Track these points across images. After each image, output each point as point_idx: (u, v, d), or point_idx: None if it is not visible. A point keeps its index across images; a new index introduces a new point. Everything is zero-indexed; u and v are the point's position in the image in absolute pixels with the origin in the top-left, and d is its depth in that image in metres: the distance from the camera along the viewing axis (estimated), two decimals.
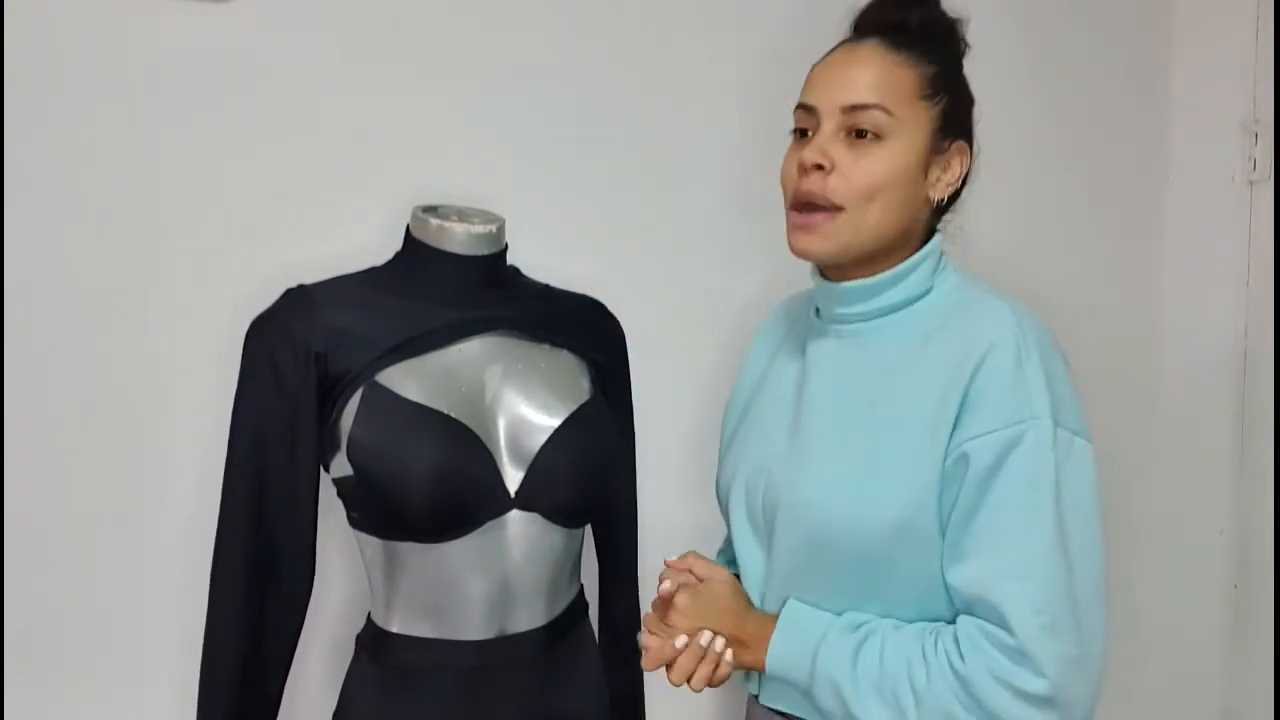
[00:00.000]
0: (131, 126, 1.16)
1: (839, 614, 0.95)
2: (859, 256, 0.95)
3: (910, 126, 0.94)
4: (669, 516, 1.28)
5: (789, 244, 0.97)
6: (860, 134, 0.93)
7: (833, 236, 0.94)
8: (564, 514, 1.04)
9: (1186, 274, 1.84)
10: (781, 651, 0.95)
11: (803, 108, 0.97)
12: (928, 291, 0.98)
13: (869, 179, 0.93)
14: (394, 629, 1.03)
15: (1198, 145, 1.81)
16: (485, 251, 1.08)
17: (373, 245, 1.13)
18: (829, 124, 0.94)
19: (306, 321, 1.00)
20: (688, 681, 0.95)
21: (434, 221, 1.06)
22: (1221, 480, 1.78)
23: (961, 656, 0.87)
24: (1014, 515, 0.86)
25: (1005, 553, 0.87)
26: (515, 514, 1.01)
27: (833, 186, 0.92)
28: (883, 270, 0.96)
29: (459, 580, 1.00)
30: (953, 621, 0.91)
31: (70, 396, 1.16)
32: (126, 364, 1.18)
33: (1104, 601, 0.88)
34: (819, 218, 0.93)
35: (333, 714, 1.06)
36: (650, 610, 1.01)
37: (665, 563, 1.04)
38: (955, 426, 0.89)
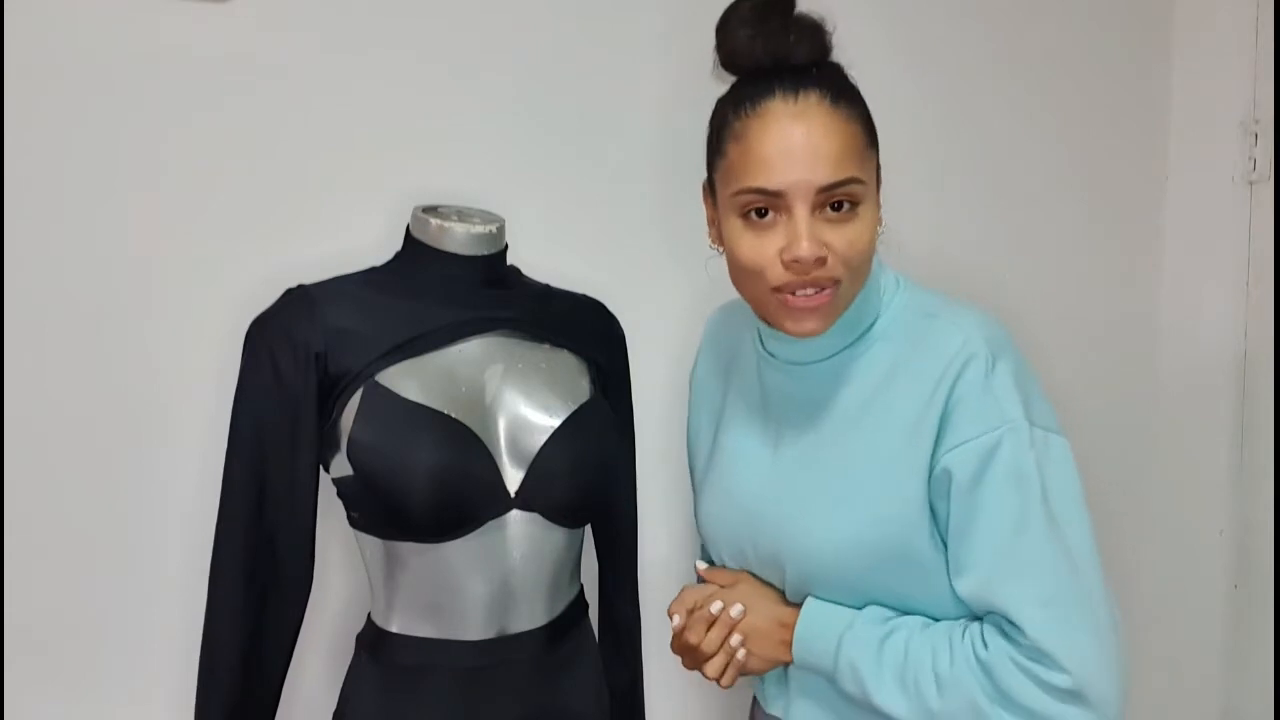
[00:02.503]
0: (131, 126, 1.16)
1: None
2: None
3: (871, 180, 0.91)
4: (669, 516, 1.28)
5: (782, 327, 0.91)
6: (836, 206, 0.87)
7: (834, 309, 0.91)
8: (564, 514, 1.04)
9: (1186, 274, 1.84)
10: (807, 637, 0.95)
11: (760, 192, 0.86)
12: (878, 317, 0.97)
13: (860, 251, 0.88)
14: (394, 629, 1.03)
15: (1197, 145, 1.81)
16: (485, 251, 1.08)
17: (373, 245, 1.13)
18: (802, 208, 0.86)
19: (306, 321, 1.00)
20: (708, 661, 0.99)
21: (434, 221, 1.06)
22: (1221, 480, 1.78)
23: (985, 644, 0.87)
24: (1005, 519, 0.86)
25: (1003, 556, 0.86)
26: (515, 514, 1.01)
27: (830, 267, 0.87)
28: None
29: (459, 580, 1.00)
30: None
31: (70, 396, 1.16)
32: (126, 364, 1.18)
33: (1109, 595, 0.88)
34: (821, 298, 0.88)
35: (333, 714, 1.06)
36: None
37: (699, 570, 1.07)
38: (936, 444, 0.88)
